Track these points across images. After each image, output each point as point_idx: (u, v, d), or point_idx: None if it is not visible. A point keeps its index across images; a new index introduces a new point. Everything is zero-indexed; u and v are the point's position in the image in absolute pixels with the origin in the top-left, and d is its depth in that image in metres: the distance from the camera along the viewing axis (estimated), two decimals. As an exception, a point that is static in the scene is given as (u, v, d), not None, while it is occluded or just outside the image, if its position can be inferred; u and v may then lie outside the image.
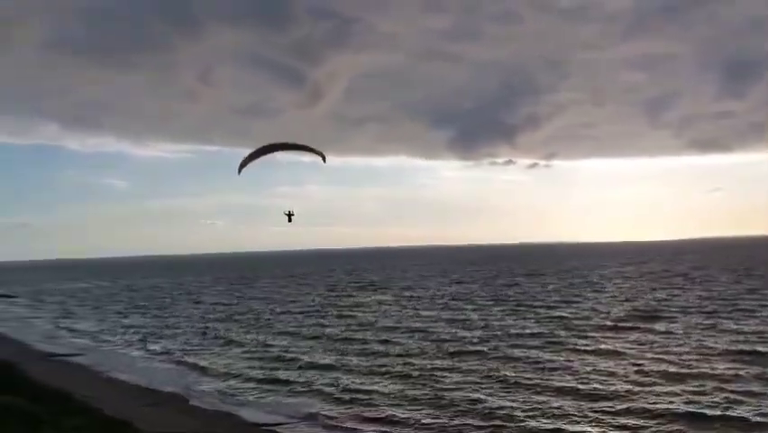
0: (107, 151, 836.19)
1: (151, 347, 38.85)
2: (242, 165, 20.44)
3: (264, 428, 21.05)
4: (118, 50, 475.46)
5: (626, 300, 53.21)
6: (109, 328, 49.79)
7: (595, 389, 23.34)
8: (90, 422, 13.04)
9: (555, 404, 21.60)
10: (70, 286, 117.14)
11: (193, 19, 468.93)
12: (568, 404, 21.53)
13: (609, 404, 21.36)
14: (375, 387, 24.97)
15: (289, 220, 22.15)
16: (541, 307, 50.46)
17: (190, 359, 34.16)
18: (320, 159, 22.37)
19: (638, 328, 37.37)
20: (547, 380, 24.97)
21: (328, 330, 41.21)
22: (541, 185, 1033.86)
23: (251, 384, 27.29)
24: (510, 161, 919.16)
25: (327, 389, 25.22)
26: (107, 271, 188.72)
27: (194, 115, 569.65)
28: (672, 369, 26.14)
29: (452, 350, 32.14)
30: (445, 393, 23.39)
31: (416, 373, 26.87)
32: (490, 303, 55.00)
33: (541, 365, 27.69)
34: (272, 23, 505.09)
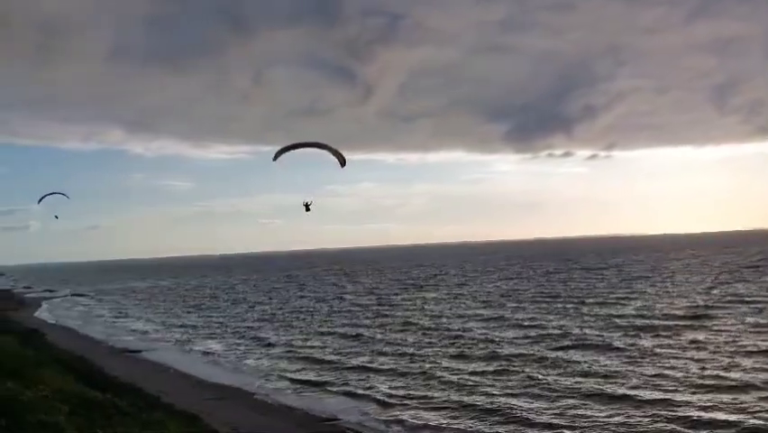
0: (169, 154, 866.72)
1: (214, 344, 40.15)
2: (277, 155, 21.08)
3: (326, 422, 21.50)
4: (177, 56, 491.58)
5: (687, 296, 50.78)
6: (173, 325, 51.74)
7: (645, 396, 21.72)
8: (166, 416, 13.67)
9: (599, 414, 20.29)
10: (136, 285, 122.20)
11: (246, 21, 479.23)
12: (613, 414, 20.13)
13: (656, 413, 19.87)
14: (420, 390, 24.57)
15: (307, 210, 22.42)
16: (594, 304, 48.39)
17: (252, 354, 35.24)
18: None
19: (698, 327, 35.19)
20: (592, 385, 23.49)
21: (377, 329, 41.12)
22: (600, 176, 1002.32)
23: (311, 379, 27.82)
24: (568, 153, 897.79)
25: (381, 387, 25.37)
26: (170, 271, 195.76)
27: (249, 116, 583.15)
28: (725, 374, 24.04)
29: (496, 353, 30.49)
30: (486, 399, 22.63)
31: (459, 378, 25.87)
32: (541, 301, 53.20)
33: (586, 369, 26.20)
34: (323, 23, 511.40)
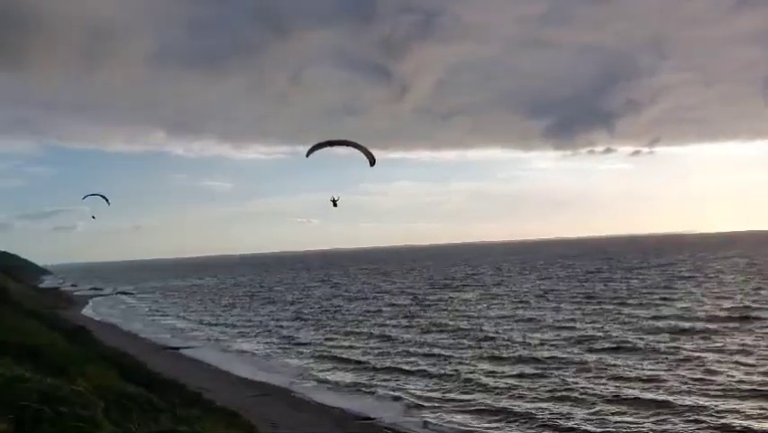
0: (209, 155, 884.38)
1: (252, 342, 40.80)
2: (310, 151, 21.34)
3: (362, 421, 21.59)
4: (216, 58, 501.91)
5: (732, 297, 48.84)
6: (212, 323, 52.79)
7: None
8: (204, 413, 13.93)
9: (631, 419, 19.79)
10: (177, 284, 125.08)
11: (284, 22, 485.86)
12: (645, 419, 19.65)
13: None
14: (454, 392, 24.44)
15: (335, 205, 22.77)
16: (634, 305, 47.02)
17: (288, 353, 35.68)
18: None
19: (744, 330, 33.80)
20: (632, 391, 22.77)
21: (410, 330, 41.00)
22: (644, 173, 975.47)
23: (346, 379, 28.00)
24: (610, 149, 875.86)
25: (414, 388, 25.37)
26: (210, 270, 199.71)
27: (286, 116, 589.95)
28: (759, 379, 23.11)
29: (531, 355, 30.04)
30: (520, 403, 22.32)
31: (494, 381, 25.53)
32: (579, 302, 51.70)
33: (625, 373, 25.41)
34: (358, 21, 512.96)
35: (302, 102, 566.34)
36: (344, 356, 33.16)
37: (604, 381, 24.54)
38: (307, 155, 21.00)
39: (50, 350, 20.23)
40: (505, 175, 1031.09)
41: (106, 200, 30.54)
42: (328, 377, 28.62)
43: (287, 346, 38.14)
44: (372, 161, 21.77)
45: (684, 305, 45.93)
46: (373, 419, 21.65)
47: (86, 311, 67.20)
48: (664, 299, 50.49)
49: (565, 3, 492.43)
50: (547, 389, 23.83)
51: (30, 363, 16.25)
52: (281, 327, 47.30)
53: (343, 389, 26.29)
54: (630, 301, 50.01)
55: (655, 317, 40.32)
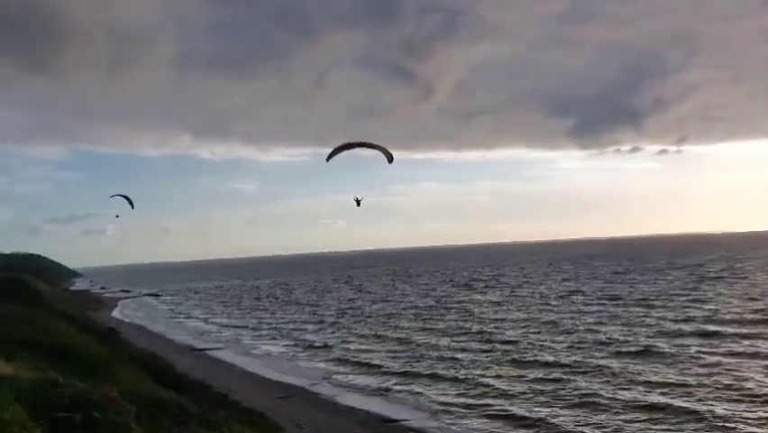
0: (235, 157, 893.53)
1: (278, 344, 41.07)
2: (330, 156, 21.60)
3: (390, 423, 21.56)
4: (241, 61, 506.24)
5: (763, 299, 47.02)
6: (238, 325, 53.21)
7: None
8: (231, 415, 14.05)
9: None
10: (204, 285, 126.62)
11: (307, 24, 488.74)
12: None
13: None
14: (476, 397, 24.18)
15: (358, 204, 23.16)
16: (660, 308, 45.70)
17: (314, 355, 35.80)
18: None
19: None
20: (657, 398, 22.16)
21: (433, 333, 40.68)
22: (671, 172, 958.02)
23: (371, 381, 27.99)
24: (636, 148, 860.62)
25: (437, 392, 25.25)
26: (236, 272, 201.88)
27: (311, 118, 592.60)
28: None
29: (555, 360, 29.37)
30: (544, 410, 21.93)
31: (517, 387, 25.10)
32: (603, 304, 50.41)
33: (650, 379, 24.66)
34: (381, 23, 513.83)
35: (326, 104, 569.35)
36: (368, 359, 33.14)
37: (629, 386, 23.94)
38: (328, 159, 21.26)
39: (81, 351, 20.65)
40: (529, 175, 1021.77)
41: (131, 203, 31.04)
42: (353, 379, 28.67)
43: (311, 348, 38.29)
44: (390, 159, 21.95)
45: (713, 307, 44.71)
46: (399, 421, 21.62)
47: (116, 313, 68.41)
48: (693, 300, 49.18)
49: (589, 0, 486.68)
50: (571, 394, 23.47)
51: (62, 365, 16.60)
52: (305, 329, 47.51)
53: (368, 391, 26.29)
54: (656, 303, 48.86)
55: (683, 320, 39.24)
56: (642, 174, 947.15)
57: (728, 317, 39.65)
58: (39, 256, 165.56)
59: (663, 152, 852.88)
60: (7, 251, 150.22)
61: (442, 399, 24.25)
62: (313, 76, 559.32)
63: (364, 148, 21.63)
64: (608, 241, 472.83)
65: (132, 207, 31.35)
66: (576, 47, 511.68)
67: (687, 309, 44.40)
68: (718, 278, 70.46)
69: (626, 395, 22.76)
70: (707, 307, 44.99)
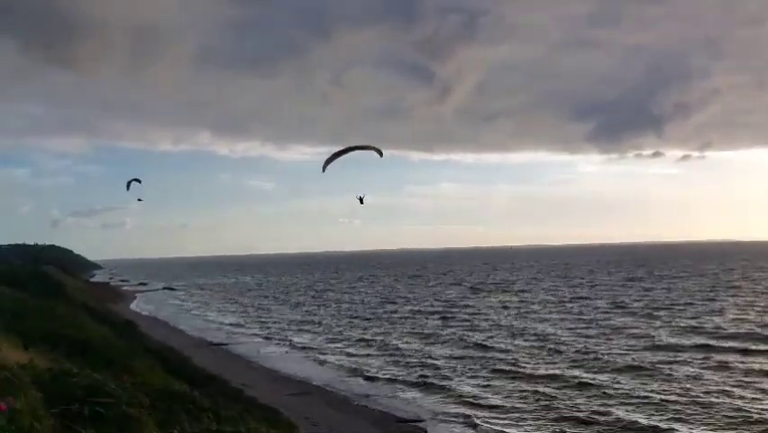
0: (253, 155, 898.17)
1: (297, 340, 41.10)
2: (325, 166, 21.70)
3: (403, 423, 21.38)
4: (260, 59, 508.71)
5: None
6: (255, 320, 53.53)
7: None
8: (246, 410, 13.98)
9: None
10: (222, 281, 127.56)
11: (325, 22, 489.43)
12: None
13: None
14: (494, 398, 24.00)
15: (361, 202, 23.33)
16: (668, 316, 44.01)
17: (330, 352, 35.75)
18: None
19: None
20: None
21: (448, 331, 40.65)
22: (694, 178, 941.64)
23: (390, 381, 27.84)
24: (658, 153, 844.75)
25: (455, 390, 25.13)
26: (253, 268, 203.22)
27: (328, 117, 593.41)
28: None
29: (546, 372, 27.81)
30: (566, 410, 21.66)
31: (543, 389, 24.60)
32: (606, 311, 49.11)
33: (620, 395, 23.27)
34: (400, 22, 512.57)
35: (344, 103, 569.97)
36: (383, 359, 32.99)
37: (612, 403, 22.35)
38: (323, 170, 21.41)
39: (99, 343, 20.77)
40: (549, 178, 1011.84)
41: (138, 181, 31.08)
42: (367, 379, 28.50)
43: (326, 345, 38.26)
44: (380, 153, 22.09)
45: (730, 317, 42.97)
46: (413, 421, 21.43)
47: (134, 306, 69.12)
48: (703, 312, 46.37)
49: (613, 2, 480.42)
50: (585, 399, 22.92)
51: (79, 356, 16.68)
52: (321, 325, 47.59)
53: (382, 391, 26.10)
54: (660, 314, 46.08)
55: (682, 333, 36.81)
56: (663, 180, 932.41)
57: (732, 330, 37.21)
58: (60, 248, 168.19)
59: (686, 157, 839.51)
60: (30, 242, 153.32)
61: (453, 401, 24.00)
62: (331, 75, 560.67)
63: (356, 151, 21.79)
64: (628, 247, 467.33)
65: (140, 183, 31.36)
66: (598, 49, 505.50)
67: (696, 319, 42.48)
68: (734, 287, 68.31)
69: (613, 413, 21.14)
70: (716, 318, 42.91)
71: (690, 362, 28.57)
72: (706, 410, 20.97)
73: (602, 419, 20.18)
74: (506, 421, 21.00)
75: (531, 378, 26.28)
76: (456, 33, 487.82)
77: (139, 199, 33.79)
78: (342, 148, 21.71)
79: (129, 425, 6.63)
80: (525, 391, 24.21)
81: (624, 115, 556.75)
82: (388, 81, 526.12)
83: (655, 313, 46.61)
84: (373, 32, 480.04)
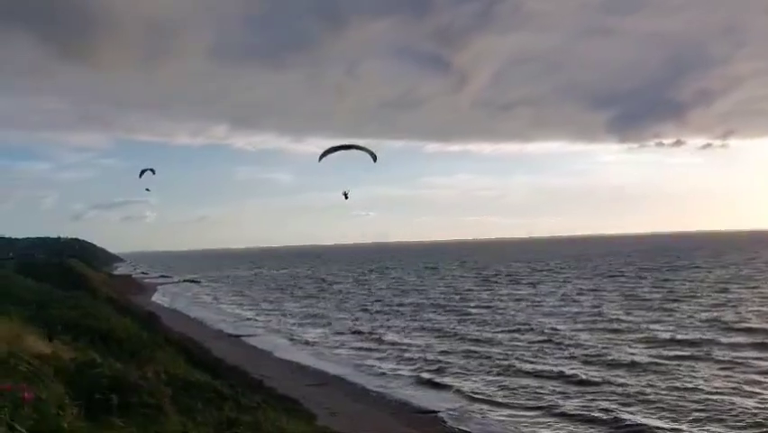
0: (269, 148, 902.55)
1: (312, 332, 41.36)
2: (321, 157, 21.91)
3: (423, 414, 21.46)
4: (274, 51, 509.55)
5: None
6: (273, 312, 53.89)
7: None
8: (266, 400, 14.15)
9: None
10: (240, 273, 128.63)
11: (339, 14, 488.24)
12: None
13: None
14: (502, 392, 23.75)
15: (346, 198, 23.52)
16: (688, 308, 43.45)
17: (347, 344, 35.96)
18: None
19: None
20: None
21: (466, 325, 40.46)
22: (716, 167, 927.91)
23: (409, 371, 27.91)
24: (679, 142, 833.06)
25: (471, 383, 25.09)
26: (271, 261, 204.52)
27: (343, 109, 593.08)
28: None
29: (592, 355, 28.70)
30: (577, 403, 21.57)
31: (550, 383, 24.49)
32: (618, 302, 49.08)
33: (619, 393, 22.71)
34: (415, 12, 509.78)
35: (359, 95, 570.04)
36: (402, 349, 33.05)
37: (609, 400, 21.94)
38: (319, 160, 21.68)
39: (121, 335, 21.11)
40: (567, 168, 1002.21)
41: (152, 171, 31.47)
42: (386, 369, 28.62)
43: (344, 337, 38.49)
44: (374, 158, 22.19)
45: (731, 313, 41.23)
46: (432, 411, 21.51)
47: (156, 298, 70.01)
48: (718, 304, 45.52)
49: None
50: (598, 397, 22.47)
51: (103, 347, 16.99)
52: (339, 317, 47.80)
53: (401, 382, 26.21)
54: (677, 304, 45.71)
55: (691, 328, 35.85)
56: (685, 169, 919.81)
57: (742, 325, 35.99)
58: (83, 241, 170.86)
59: (708, 146, 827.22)
60: (53, 236, 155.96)
61: (473, 391, 24.01)
62: (345, 66, 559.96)
63: (352, 150, 22.03)
64: (648, 237, 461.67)
65: (154, 173, 31.75)
66: (617, 37, 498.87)
67: (711, 311, 41.56)
68: (756, 279, 66.49)
69: (626, 412, 20.59)
70: (732, 309, 42.22)
71: (709, 358, 27.69)
72: (727, 411, 20.25)
73: (616, 418, 19.84)
74: (521, 417, 20.85)
75: (543, 375, 26.02)
76: (472, 22, 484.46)
77: (147, 189, 34.18)
78: (339, 144, 22.04)
79: (152, 414, 6.76)
80: (538, 387, 23.96)
81: (644, 103, 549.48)
82: (402, 72, 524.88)
83: (672, 306, 45.53)
84: (387, 23, 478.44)
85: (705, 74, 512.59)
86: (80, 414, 5.88)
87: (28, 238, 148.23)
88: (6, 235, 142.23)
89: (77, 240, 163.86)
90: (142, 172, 31.16)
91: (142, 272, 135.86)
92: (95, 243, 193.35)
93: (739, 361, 26.78)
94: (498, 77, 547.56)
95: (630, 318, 40.11)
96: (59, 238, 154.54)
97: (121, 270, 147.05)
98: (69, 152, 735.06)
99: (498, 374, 26.35)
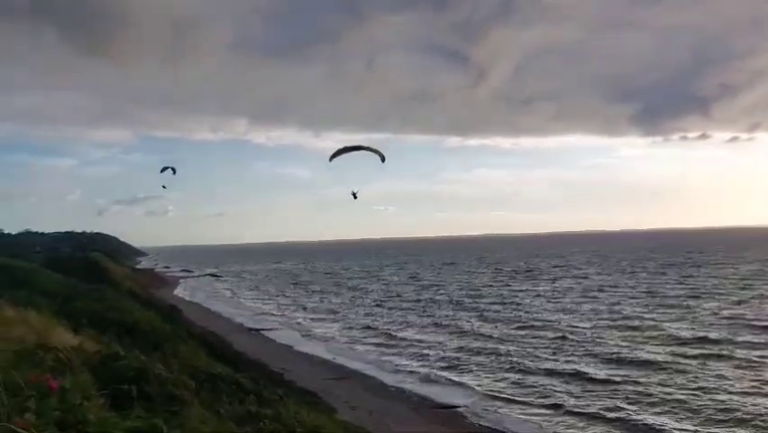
0: (289, 142, 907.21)
1: (331, 327, 41.63)
2: (332, 157, 21.95)
3: (442, 409, 21.51)
4: (294, 46, 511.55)
5: None
6: (293, 306, 54.38)
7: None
8: (286, 393, 14.30)
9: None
10: (259, 268, 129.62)
11: (358, 7, 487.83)
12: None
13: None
14: (516, 389, 23.82)
15: (355, 198, 23.50)
16: (705, 304, 42.97)
17: (365, 339, 36.18)
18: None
19: None
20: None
21: (484, 323, 40.23)
22: (742, 161, 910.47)
23: (428, 367, 28.01)
24: (704, 136, 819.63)
25: (488, 380, 25.19)
26: (291, 255, 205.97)
27: (363, 103, 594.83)
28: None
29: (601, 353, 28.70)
30: (587, 402, 21.54)
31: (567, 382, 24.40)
32: (635, 298, 48.53)
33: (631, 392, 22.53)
34: (434, 5, 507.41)
35: (378, 89, 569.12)
36: (420, 345, 33.19)
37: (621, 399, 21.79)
38: (330, 160, 21.71)
39: (145, 328, 21.46)
40: (588, 163, 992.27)
41: (173, 170, 31.80)
42: (405, 364, 28.75)
43: (364, 332, 38.72)
44: (383, 158, 22.20)
45: (748, 309, 40.84)
46: (450, 407, 21.56)
47: (178, 292, 70.93)
48: (740, 301, 44.69)
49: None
50: (612, 397, 22.24)
51: (127, 339, 17.29)
52: (358, 312, 48.06)
53: (420, 377, 26.32)
54: (698, 303, 44.55)
55: (731, 322, 35.50)
56: (710, 163, 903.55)
57: (766, 323, 35.05)
58: (107, 236, 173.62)
59: (734, 139, 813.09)
60: (78, 230, 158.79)
61: (491, 388, 24.05)
62: (365, 61, 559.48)
63: (362, 151, 22.10)
64: (671, 232, 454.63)
65: (174, 173, 32.06)
66: (639, 30, 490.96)
67: (723, 312, 40.20)
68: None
69: (642, 413, 20.39)
70: (751, 308, 41.31)
71: (732, 357, 27.13)
72: (751, 412, 19.88)
73: (635, 419, 19.66)
74: (538, 415, 20.79)
75: (561, 373, 25.83)
76: (491, 15, 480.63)
77: (163, 186, 34.53)
78: (350, 146, 22.14)
79: (176, 406, 6.89)
80: (555, 386, 23.82)
81: (667, 96, 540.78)
82: (422, 66, 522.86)
83: (694, 303, 44.77)
84: (406, 17, 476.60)
85: (729, 66, 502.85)
86: (106, 404, 6.02)
87: (55, 233, 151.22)
88: (33, 230, 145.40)
89: (101, 234, 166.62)
90: (164, 169, 31.57)
91: (165, 267, 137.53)
92: (118, 237, 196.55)
93: (764, 360, 26.31)
94: (518, 71, 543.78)
95: (650, 316, 39.61)
96: (83, 232, 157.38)
97: (144, 264, 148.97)
98: (93, 147, 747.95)
99: (516, 372, 26.30)
